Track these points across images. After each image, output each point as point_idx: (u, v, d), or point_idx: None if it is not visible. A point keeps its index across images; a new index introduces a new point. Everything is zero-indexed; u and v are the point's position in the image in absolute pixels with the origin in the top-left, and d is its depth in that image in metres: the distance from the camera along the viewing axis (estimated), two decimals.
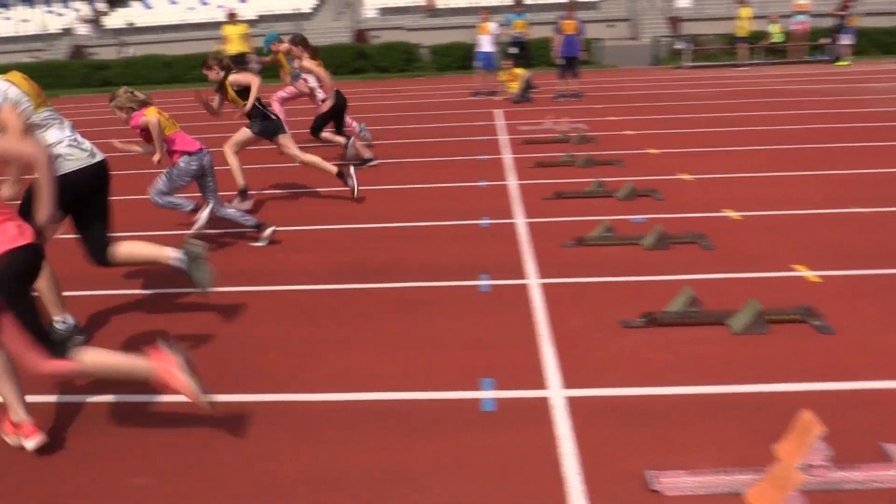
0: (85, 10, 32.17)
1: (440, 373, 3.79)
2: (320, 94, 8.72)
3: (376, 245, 6.00)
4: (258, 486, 2.94)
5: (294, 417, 3.45)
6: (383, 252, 5.81)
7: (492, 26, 16.59)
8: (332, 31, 27.30)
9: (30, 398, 3.29)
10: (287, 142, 7.06)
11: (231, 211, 6.14)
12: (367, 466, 3.02)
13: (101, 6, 32.19)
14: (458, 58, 22.67)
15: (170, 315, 4.83)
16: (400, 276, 5.22)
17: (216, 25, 23.87)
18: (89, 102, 20.24)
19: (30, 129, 4.00)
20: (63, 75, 24.50)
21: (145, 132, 5.74)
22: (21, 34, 31.59)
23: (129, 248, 4.40)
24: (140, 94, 5.73)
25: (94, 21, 30.68)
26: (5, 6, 34.94)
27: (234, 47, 15.03)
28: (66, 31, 30.99)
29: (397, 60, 23.21)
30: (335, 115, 8.65)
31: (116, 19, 30.83)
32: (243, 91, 6.75)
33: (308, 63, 8.32)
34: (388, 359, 4.00)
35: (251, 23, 25.73)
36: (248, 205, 7.18)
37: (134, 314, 4.86)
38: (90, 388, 3.79)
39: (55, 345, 3.04)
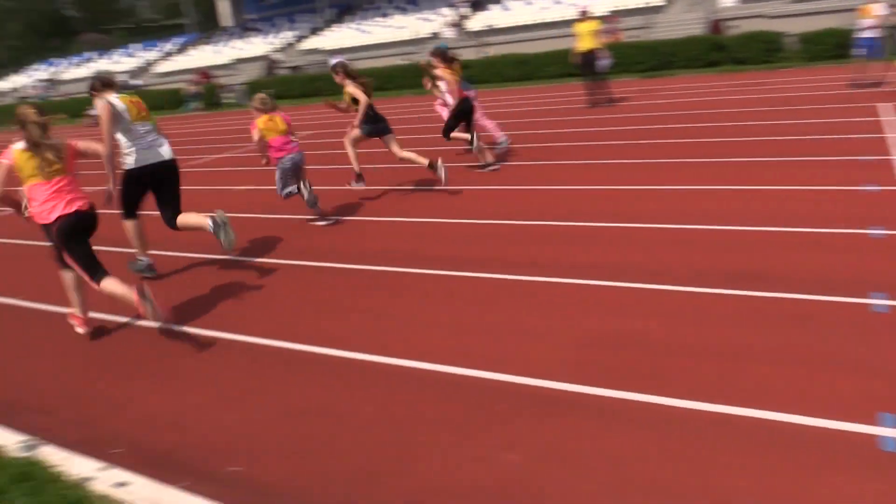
0: (451, 15, 35.24)
1: (827, 398, 3.47)
2: (449, 99, 10.11)
3: (752, 249, 5.68)
4: (623, 483, 2.97)
5: (660, 420, 3.42)
6: (769, 259, 5.48)
7: (876, 8, 14.65)
8: (684, 24, 26.40)
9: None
10: (390, 141, 8.68)
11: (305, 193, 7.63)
12: (752, 490, 2.89)
13: (465, 11, 34.96)
14: (831, 46, 20.40)
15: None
16: (773, 286, 4.88)
17: (568, 23, 24.53)
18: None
19: (124, 131, 6.03)
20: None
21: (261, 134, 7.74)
22: (397, 40, 35.65)
23: (185, 217, 6.12)
24: (268, 103, 7.69)
25: (459, 25, 33.45)
26: (386, 15, 39.71)
27: (584, 44, 15.25)
28: (435, 35, 34.21)
29: (757, 51, 21.64)
30: (463, 118, 9.74)
31: (478, 22, 33.25)
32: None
33: (440, 71, 9.81)
34: (758, 373, 3.77)
35: (603, 18, 25.98)
36: (362, 186, 8.88)
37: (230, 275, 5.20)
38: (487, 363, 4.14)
39: (95, 273, 4.94)
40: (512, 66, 25.43)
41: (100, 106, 5.95)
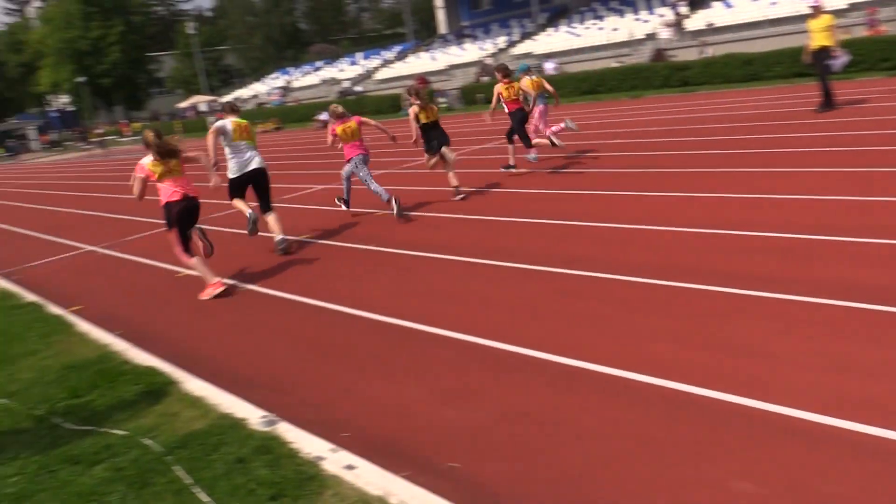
0: (668, 15, 33.93)
1: None
2: (506, 109, 11.38)
3: None
4: None
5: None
6: None
7: None
8: None
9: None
10: (443, 153, 10.17)
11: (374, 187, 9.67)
12: None
13: (683, 10, 33.51)
14: None
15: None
16: None
17: (799, 20, 22.67)
18: (668, 102, 21.29)
19: (228, 145, 8.22)
20: (646, 77, 26.28)
21: (335, 138, 9.71)
22: (611, 42, 34.96)
23: (271, 217, 8.57)
24: (339, 110, 9.64)
25: (677, 25, 32.13)
26: (600, 18, 39.10)
27: (818, 41, 13.93)
28: (650, 36, 33.14)
29: None
30: (523, 121, 11.34)
31: (697, 21, 31.73)
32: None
33: (499, 86, 11.20)
34: None
35: (840, 12, 23.73)
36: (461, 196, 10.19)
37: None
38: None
39: (187, 249, 6.98)
40: (735, 67, 23.96)
41: (212, 129, 8.25)
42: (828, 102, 14.21)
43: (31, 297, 8.02)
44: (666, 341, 4.54)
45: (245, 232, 8.68)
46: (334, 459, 3.58)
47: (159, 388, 4.78)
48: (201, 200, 7.20)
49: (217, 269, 7.83)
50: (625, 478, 3.21)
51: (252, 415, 4.16)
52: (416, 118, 10.10)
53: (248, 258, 8.63)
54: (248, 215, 8.38)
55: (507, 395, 4.12)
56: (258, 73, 74.42)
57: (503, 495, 3.21)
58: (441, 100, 33.56)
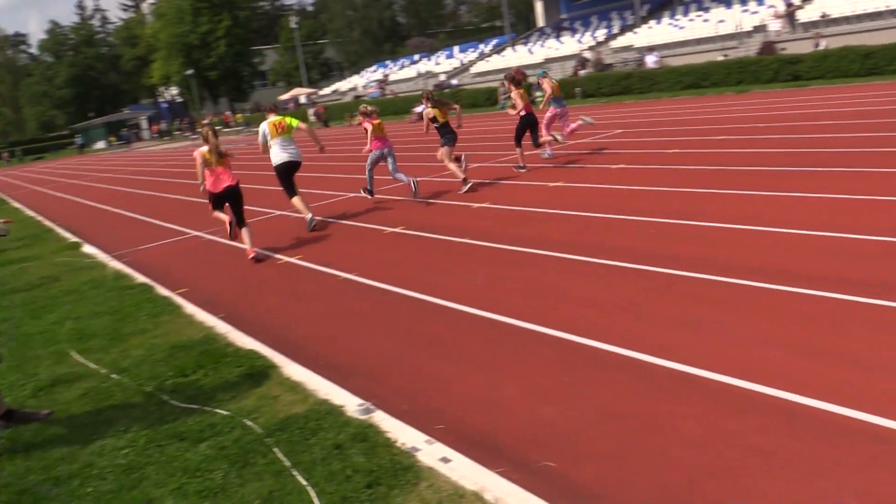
0: (779, 5, 32.43)
1: None
2: (512, 113, 12.70)
3: None
4: None
5: None
6: None
7: None
8: None
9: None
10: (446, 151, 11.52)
11: (400, 175, 11.29)
12: None
13: (796, 0, 31.95)
14: None
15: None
16: None
17: None
18: (777, 98, 20.36)
19: (270, 142, 10.00)
20: (753, 71, 25.21)
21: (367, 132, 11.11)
22: (717, 34, 33.73)
23: (296, 199, 10.20)
24: (370, 108, 11.32)
25: (788, 16, 30.66)
26: (706, 10, 37.78)
27: None
28: (759, 28, 31.78)
29: None
30: (529, 129, 12.45)
31: (811, 12, 30.19)
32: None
33: (513, 93, 12.50)
34: None
35: None
36: (468, 187, 11.28)
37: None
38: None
39: (241, 223, 8.81)
40: (853, 60, 22.64)
41: (262, 126, 10.15)
42: None
43: (141, 278, 8.41)
44: (776, 348, 4.31)
45: (335, 220, 8.81)
46: (429, 451, 3.57)
47: (260, 371, 4.90)
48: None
49: (312, 255, 8.00)
50: (733, 491, 3.05)
51: (349, 402, 4.20)
52: (434, 118, 11.47)
53: (342, 246, 8.77)
54: (307, 217, 10.10)
55: (606, 396, 4.01)
56: (356, 67, 75.84)
57: (601, 499, 3.11)
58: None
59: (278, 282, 7.60)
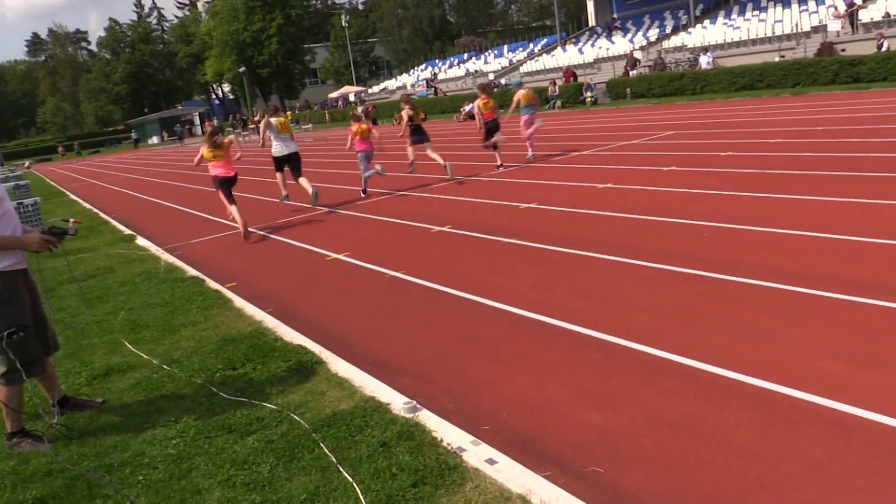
0: (840, 4, 31.54)
1: None
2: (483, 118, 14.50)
3: None
4: None
5: None
6: None
7: None
8: None
9: None
10: (425, 146, 13.95)
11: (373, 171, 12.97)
12: None
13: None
14: None
15: None
16: None
17: None
18: (836, 100, 19.80)
19: (274, 137, 12.38)
20: (811, 72, 24.58)
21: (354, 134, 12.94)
22: (774, 34, 32.98)
23: (302, 179, 12.38)
24: (357, 112, 13.88)
25: (849, 16, 29.79)
26: (762, 9, 36.94)
27: None
28: (818, 29, 30.97)
29: None
30: (490, 132, 14.46)
31: (874, 11, 29.28)
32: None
33: (478, 101, 14.51)
34: None
35: None
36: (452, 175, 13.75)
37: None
38: None
39: (231, 202, 10.74)
40: None
41: (263, 122, 12.54)
42: None
43: (192, 271, 8.56)
44: (832, 359, 4.18)
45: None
46: (475, 452, 3.55)
47: (308, 366, 4.94)
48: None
49: (360, 252, 8.06)
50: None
51: (395, 400, 4.20)
52: (410, 119, 13.87)
53: (389, 244, 8.80)
54: (310, 192, 12.18)
55: (654, 403, 3.93)
56: (405, 65, 76.17)
57: None
58: (588, 94, 32.95)
59: (326, 278, 7.66)
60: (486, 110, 14.40)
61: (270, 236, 10.56)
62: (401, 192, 13.03)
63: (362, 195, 13.21)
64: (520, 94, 15.29)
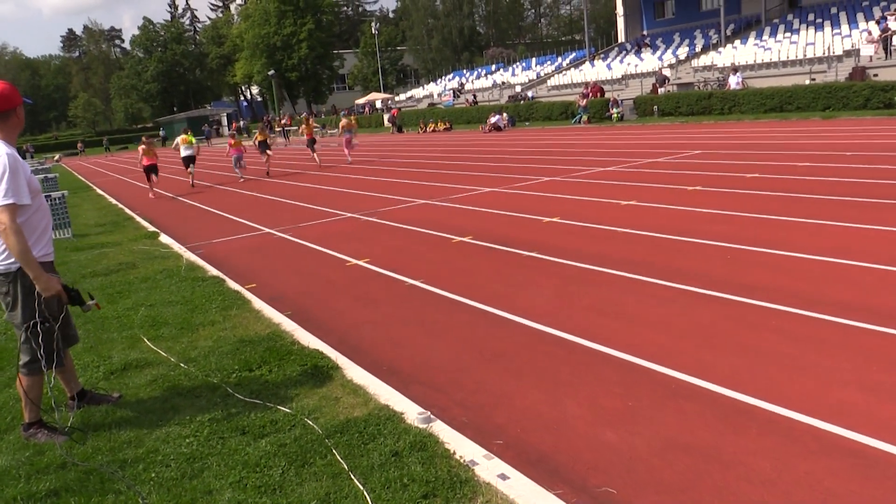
0: (874, 30, 31.23)
1: None
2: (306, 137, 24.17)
3: None
4: None
5: None
6: None
7: None
8: None
9: None
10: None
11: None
12: None
13: (893, 24, 30.70)
14: None
15: None
16: None
17: None
18: (867, 125, 19.58)
19: (179, 145, 21.94)
20: (843, 96, 24.34)
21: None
22: (805, 57, 32.70)
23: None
24: (233, 131, 26.94)
25: (883, 41, 29.47)
26: (794, 31, 36.67)
27: None
28: (850, 53, 30.67)
29: None
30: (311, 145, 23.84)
31: None
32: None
33: (343, 121, 24.64)
34: None
35: None
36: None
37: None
38: None
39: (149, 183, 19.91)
40: None
41: (179, 138, 21.26)
42: None
43: (213, 271, 8.62)
44: (857, 390, 4.11)
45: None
46: (488, 466, 3.52)
47: (323, 371, 4.94)
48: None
49: (380, 259, 8.06)
50: None
51: (409, 409, 4.19)
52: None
53: (410, 252, 8.80)
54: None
55: (672, 425, 3.89)
56: (433, 74, 76.43)
57: None
58: (614, 110, 32.85)
59: (345, 284, 7.68)
60: (308, 129, 24.51)
61: (292, 239, 10.61)
62: (422, 201, 13.01)
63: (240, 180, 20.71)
64: (343, 121, 24.48)
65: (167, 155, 35.93)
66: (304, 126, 26.06)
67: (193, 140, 21.04)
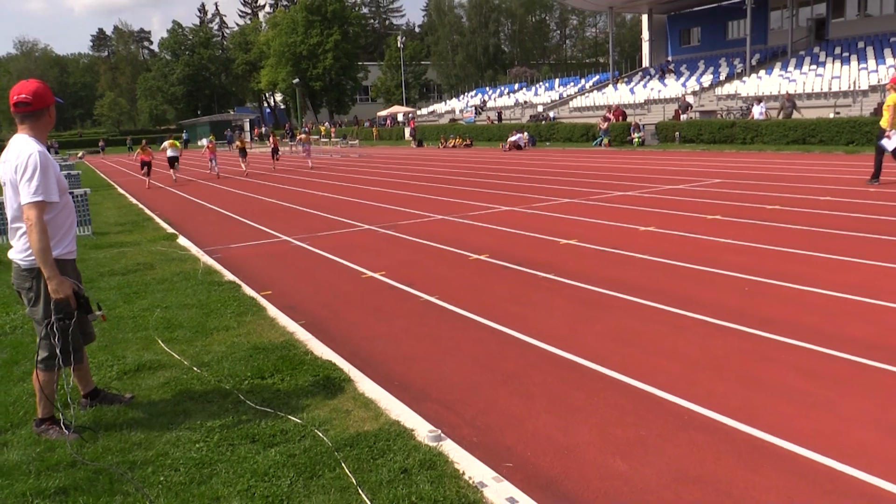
0: None
1: None
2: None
3: None
4: None
5: None
6: None
7: None
8: None
9: None
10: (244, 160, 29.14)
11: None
12: None
13: None
14: None
15: None
16: None
17: None
18: (888, 163, 19.42)
19: (166, 149, 28.01)
20: (867, 131, 24.16)
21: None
22: (830, 90, 32.60)
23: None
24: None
25: None
26: (821, 64, 36.56)
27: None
28: (876, 88, 30.56)
29: None
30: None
31: None
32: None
33: (301, 136, 34.89)
34: None
35: None
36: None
37: None
38: None
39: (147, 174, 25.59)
40: None
41: (167, 142, 27.27)
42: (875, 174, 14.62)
43: (230, 276, 8.67)
44: (874, 431, 4.06)
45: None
46: (497, 489, 3.50)
47: (336, 383, 4.94)
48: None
49: (396, 273, 8.07)
50: None
51: (420, 427, 4.18)
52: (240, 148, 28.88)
53: (425, 268, 8.82)
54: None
55: (682, 457, 3.85)
56: (456, 90, 76.76)
57: None
58: (636, 134, 32.84)
59: (360, 296, 7.69)
60: (172, 146, 27.45)
61: (309, 248, 10.66)
62: (439, 217, 13.03)
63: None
64: (301, 136, 30.10)
65: (162, 158, 36.37)
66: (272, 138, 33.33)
67: (178, 144, 28.59)
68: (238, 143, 29.59)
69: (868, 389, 4.61)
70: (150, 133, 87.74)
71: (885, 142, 14.23)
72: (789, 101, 29.50)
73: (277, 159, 31.88)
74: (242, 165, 28.22)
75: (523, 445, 4.06)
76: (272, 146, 31.57)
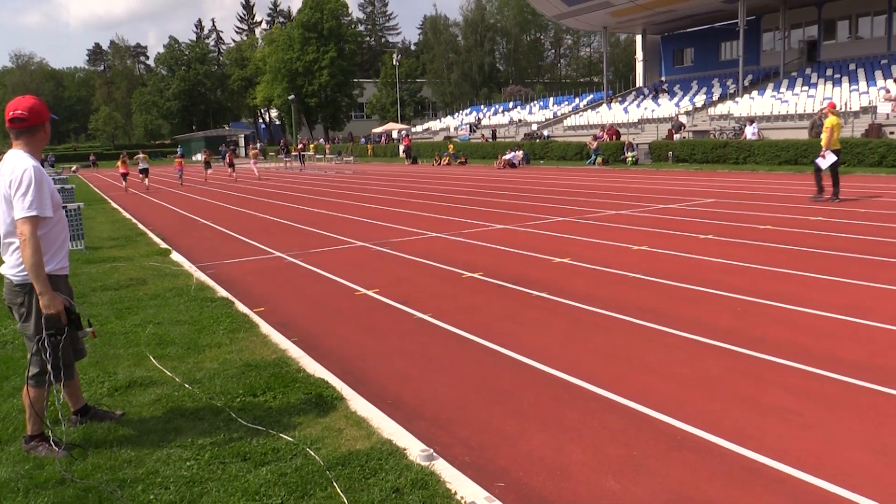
0: (892, 87, 31.40)
1: None
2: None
3: None
4: None
5: None
6: None
7: None
8: None
9: None
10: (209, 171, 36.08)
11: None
12: None
13: None
14: None
15: None
16: None
17: None
18: (881, 183, 19.58)
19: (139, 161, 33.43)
20: (858, 153, 24.41)
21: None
22: (803, 112, 32.80)
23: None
24: (144, 162, 32.65)
25: None
26: (812, 85, 36.88)
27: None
28: (867, 109, 30.82)
29: None
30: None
31: None
32: None
33: (253, 150, 41.75)
34: None
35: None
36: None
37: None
38: None
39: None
40: None
41: (140, 155, 33.23)
42: (819, 190, 15.68)
43: (222, 292, 8.64)
44: (865, 452, 4.06)
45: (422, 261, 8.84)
46: None
47: (328, 401, 4.93)
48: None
49: (389, 290, 8.07)
50: None
51: (412, 446, 4.17)
52: (206, 162, 35.52)
53: (419, 285, 8.81)
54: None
55: (675, 477, 3.85)
56: (450, 107, 77.12)
57: None
58: (629, 153, 33.01)
59: (353, 313, 7.68)
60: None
61: (302, 265, 10.65)
62: (433, 234, 13.04)
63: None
64: (253, 151, 34.38)
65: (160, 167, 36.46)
66: (206, 155, 38.15)
67: (149, 158, 34.45)
68: (204, 156, 36.75)
69: (859, 410, 4.62)
70: (145, 147, 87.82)
71: (819, 160, 15.44)
72: (820, 120, 29.53)
73: (233, 173, 35.48)
74: (205, 176, 34.88)
75: (516, 465, 4.05)
76: (228, 161, 36.11)
